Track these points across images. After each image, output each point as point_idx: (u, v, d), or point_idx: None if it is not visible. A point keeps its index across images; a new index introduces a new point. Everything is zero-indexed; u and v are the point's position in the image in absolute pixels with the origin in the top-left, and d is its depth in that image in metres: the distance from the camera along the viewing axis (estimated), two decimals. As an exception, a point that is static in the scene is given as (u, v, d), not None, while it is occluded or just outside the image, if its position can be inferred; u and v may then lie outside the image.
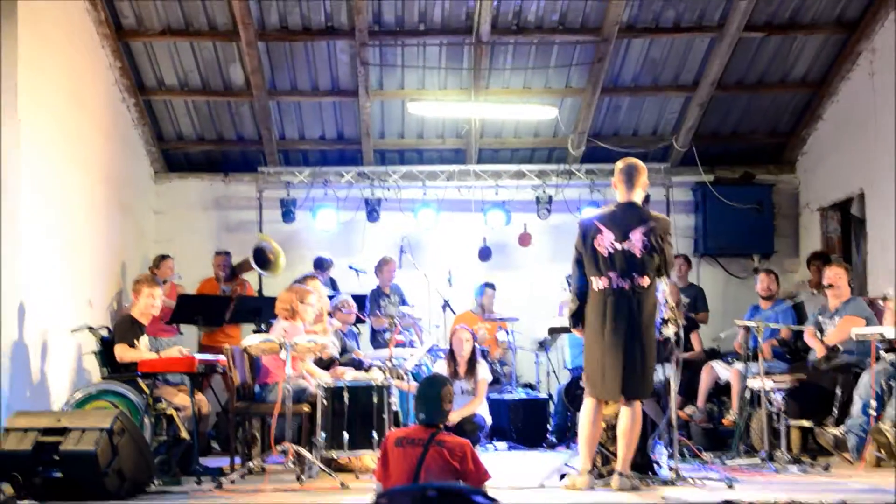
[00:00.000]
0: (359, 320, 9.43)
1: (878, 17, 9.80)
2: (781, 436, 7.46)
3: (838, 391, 7.73)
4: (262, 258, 10.16)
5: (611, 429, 6.31)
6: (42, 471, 5.84)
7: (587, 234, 6.14)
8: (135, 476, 6.07)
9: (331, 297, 9.09)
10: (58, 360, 8.38)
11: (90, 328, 7.82)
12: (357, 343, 9.45)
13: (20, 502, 5.39)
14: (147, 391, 7.02)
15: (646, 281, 6.01)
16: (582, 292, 6.19)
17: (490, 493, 5.09)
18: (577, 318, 6.23)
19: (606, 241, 6.05)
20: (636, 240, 6.03)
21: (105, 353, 7.56)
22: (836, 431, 7.43)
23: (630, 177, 6.23)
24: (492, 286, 10.43)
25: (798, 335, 8.74)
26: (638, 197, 6.25)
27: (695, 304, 10.21)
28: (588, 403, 6.11)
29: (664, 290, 6.71)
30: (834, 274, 8.28)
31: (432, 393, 5.21)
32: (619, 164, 6.33)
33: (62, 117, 8.79)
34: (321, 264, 10.45)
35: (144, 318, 7.69)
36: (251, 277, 10.68)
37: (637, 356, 5.97)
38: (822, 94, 10.95)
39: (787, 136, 11.68)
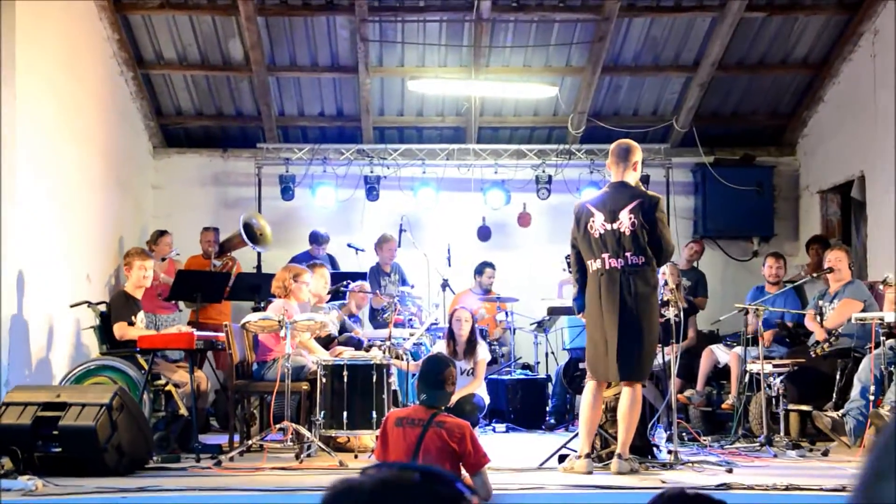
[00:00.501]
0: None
1: (881, -1, 9.76)
2: (780, 420, 7.47)
3: (837, 375, 7.73)
4: (251, 233, 10.11)
5: (611, 411, 6.31)
6: (41, 445, 5.83)
7: (580, 219, 6.16)
8: (133, 452, 6.05)
9: (345, 283, 9.04)
10: (56, 334, 8.38)
11: (89, 303, 7.79)
12: (360, 324, 9.43)
13: (20, 476, 5.37)
14: (146, 367, 7.01)
15: (640, 259, 5.98)
16: (581, 277, 6.20)
17: (489, 475, 5.13)
18: (580, 303, 6.23)
19: (598, 223, 6.05)
20: (624, 218, 6.01)
21: (104, 329, 7.54)
22: (834, 414, 7.43)
23: (622, 157, 6.19)
24: (492, 266, 10.41)
25: (798, 319, 8.73)
26: (631, 178, 6.19)
27: (695, 289, 10.17)
28: (588, 386, 6.12)
29: (664, 270, 6.70)
30: (835, 257, 8.27)
31: (435, 374, 5.18)
32: (613, 145, 6.30)
33: (59, 90, 8.73)
34: (317, 238, 10.40)
35: (138, 291, 7.65)
36: (242, 255, 10.60)
37: (633, 337, 5.94)
38: (824, 75, 10.90)
39: (788, 118, 11.65)
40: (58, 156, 8.66)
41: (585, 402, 6.11)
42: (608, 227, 6.02)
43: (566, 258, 8.53)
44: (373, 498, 1.43)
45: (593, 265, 6.06)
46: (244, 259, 10.67)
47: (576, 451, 6.19)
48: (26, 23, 7.91)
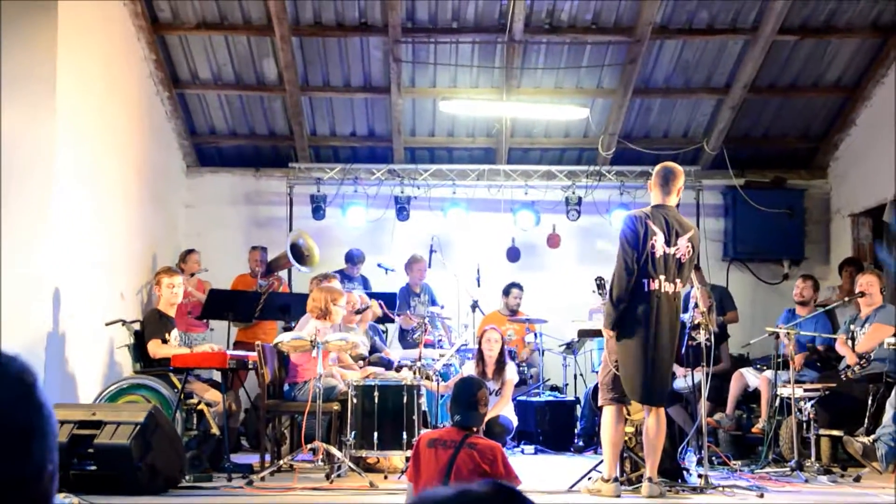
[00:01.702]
0: (387, 319, 9.41)
1: (916, 23, 9.73)
2: (811, 445, 7.42)
3: (869, 401, 7.68)
4: (297, 253, 10.21)
5: (640, 434, 6.29)
6: (77, 463, 5.90)
7: (646, 234, 5.98)
8: (167, 471, 6.11)
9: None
10: (90, 352, 8.46)
11: (123, 322, 7.88)
12: (384, 341, 9.46)
13: (56, 494, 5.43)
14: (179, 386, 7.07)
15: (682, 287, 6.07)
16: (628, 292, 5.98)
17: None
18: (620, 321, 6.05)
19: (659, 243, 6.00)
20: (682, 245, 6.03)
21: (138, 347, 7.62)
22: (866, 440, 7.38)
23: (667, 180, 6.17)
24: (519, 286, 10.41)
25: (830, 343, 8.68)
26: (673, 202, 6.20)
27: (721, 305, 10.08)
28: (610, 410, 6.06)
29: (695, 293, 6.68)
30: (867, 281, 8.22)
31: (469, 395, 5.20)
32: (657, 168, 6.28)
33: (98, 107, 8.86)
34: (352, 258, 10.47)
35: (171, 309, 7.73)
36: (284, 274, 10.72)
37: (669, 363, 6.01)
38: (856, 98, 10.87)
39: (820, 141, 11.60)
40: (95, 173, 8.78)
41: (608, 425, 6.06)
42: (668, 250, 6.00)
43: (596, 280, 8.56)
44: None
45: (649, 284, 5.96)
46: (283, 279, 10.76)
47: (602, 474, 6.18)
48: (67, 43, 8.05)
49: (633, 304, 6.00)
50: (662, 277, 5.97)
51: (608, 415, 6.08)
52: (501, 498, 1.49)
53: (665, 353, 5.96)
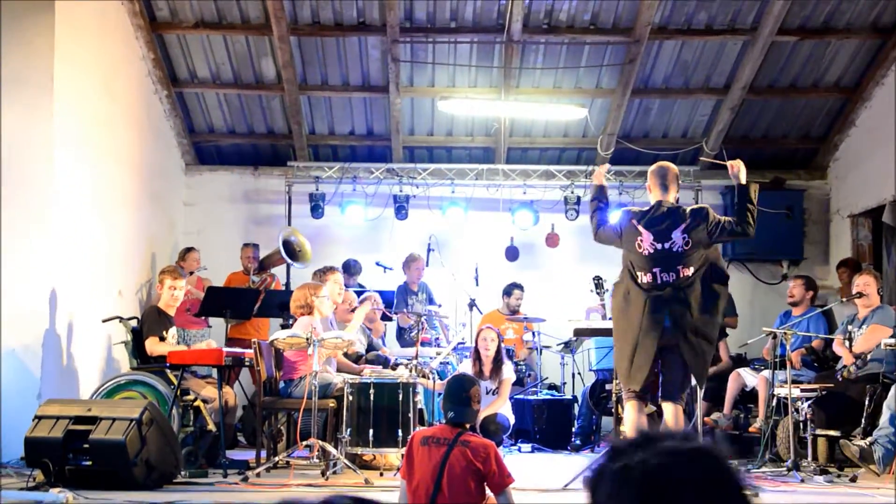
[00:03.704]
0: (385, 318, 9.41)
1: (915, 24, 9.72)
2: (808, 445, 7.41)
3: (866, 401, 7.67)
4: (290, 250, 10.22)
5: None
6: (72, 458, 5.91)
7: (631, 235, 6.12)
8: (162, 466, 6.13)
9: (359, 293, 9.10)
10: (88, 349, 8.47)
11: (120, 319, 7.89)
12: (383, 340, 9.45)
13: (51, 489, 5.45)
14: (175, 382, 7.08)
15: (689, 271, 6.03)
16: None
17: (514, 495, 5.13)
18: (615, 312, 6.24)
19: (647, 243, 6.05)
20: (677, 238, 6.05)
21: (135, 344, 7.63)
22: (863, 443, 7.36)
23: (664, 178, 6.25)
24: (520, 287, 10.41)
25: (827, 344, 8.68)
26: (672, 198, 6.26)
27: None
28: (629, 406, 6.09)
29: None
30: (863, 282, 8.21)
31: (461, 392, 5.19)
32: (652, 168, 6.34)
33: (96, 107, 8.87)
34: (349, 268, 10.44)
35: (170, 309, 7.74)
36: (279, 271, 10.72)
37: (682, 353, 5.96)
38: (856, 99, 10.87)
39: (819, 142, 11.60)
40: (93, 172, 8.79)
41: (629, 420, 6.09)
42: (658, 246, 6.04)
43: (594, 279, 8.58)
44: None
45: (643, 277, 6.04)
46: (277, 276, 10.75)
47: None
48: (64, 42, 8.06)
49: (630, 298, 6.09)
50: (658, 269, 6.02)
51: (629, 409, 6.12)
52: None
53: (671, 346, 5.96)
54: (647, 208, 6.28)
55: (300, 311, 7.54)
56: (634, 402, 6.08)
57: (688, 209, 6.25)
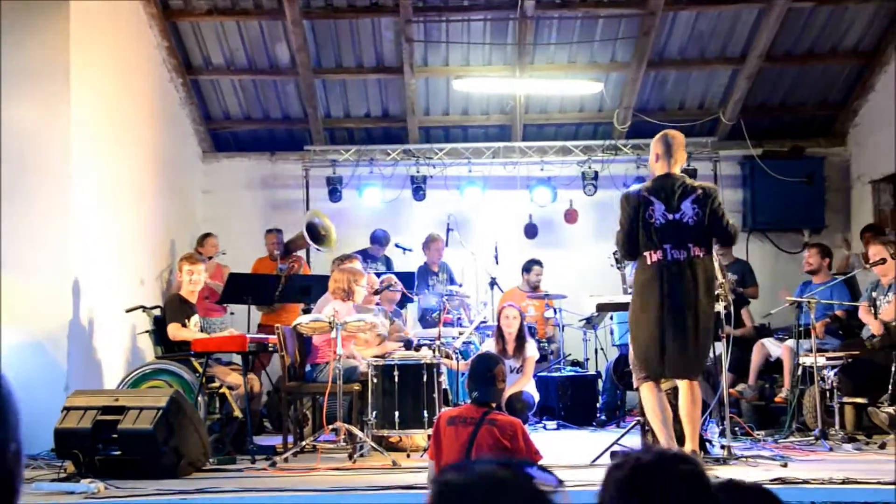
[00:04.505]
0: (407, 299, 9.41)
1: (933, -15, 9.60)
2: (835, 413, 7.38)
3: (893, 367, 7.61)
4: (314, 233, 10.23)
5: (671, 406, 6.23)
6: (101, 449, 5.95)
7: (638, 207, 5.95)
8: (190, 454, 6.15)
9: (378, 275, 9.11)
10: (112, 339, 8.52)
11: (143, 308, 7.93)
12: (403, 322, 9.46)
13: (82, 480, 5.50)
14: (200, 370, 7.11)
15: (701, 251, 5.90)
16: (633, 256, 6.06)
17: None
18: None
19: (658, 213, 5.94)
20: (687, 209, 5.93)
21: (158, 333, 7.67)
22: (891, 410, 7.32)
23: (668, 147, 6.09)
24: (539, 263, 10.39)
25: (851, 312, 8.62)
26: (678, 169, 6.13)
27: (743, 280, 10.05)
28: (646, 388, 5.97)
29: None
30: (875, 252, 8.14)
31: (485, 371, 5.21)
32: (655, 138, 6.21)
33: (111, 97, 8.88)
34: (378, 239, 10.50)
35: (191, 295, 7.77)
36: (303, 255, 10.75)
37: (692, 331, 5.86)
38: (874, 64, 10.76)
39: (838, 108, 11.50)
40: (111, 162, 8.81)
41: (650, 404, 5.95)
42: (670, 216, 5.90)
43: (613, 254, 8.53)
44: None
45: (651, 256, 5.90)
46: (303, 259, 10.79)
47: (627, 448, 6.16)
48: (79, 31, 8.07)
49: (639, 278, 5.99)
50: (668, 246, 5.87)
51: (645, 393, 5.98)
52: (520, 482, 1.53)
53: (682, 321, 5.84)
54: (654, 180, 6.11)
55: (339, 294, 7.53)
56: (649, 383, 5.97)
57: (696, 183, 6.16)
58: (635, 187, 6.28)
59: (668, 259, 5.88)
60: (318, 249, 10.45)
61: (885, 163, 10.74)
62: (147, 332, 7.89)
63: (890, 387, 7.56)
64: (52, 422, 6.10)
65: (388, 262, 10.52)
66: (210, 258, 9.82)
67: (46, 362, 7.60)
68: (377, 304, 8.47)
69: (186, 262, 7.83)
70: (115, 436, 5.94)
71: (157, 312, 7.81)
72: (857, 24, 10.41)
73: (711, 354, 6.73)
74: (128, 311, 8.13)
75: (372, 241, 10.56)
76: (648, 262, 5.93)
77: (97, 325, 8.27)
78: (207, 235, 10.15)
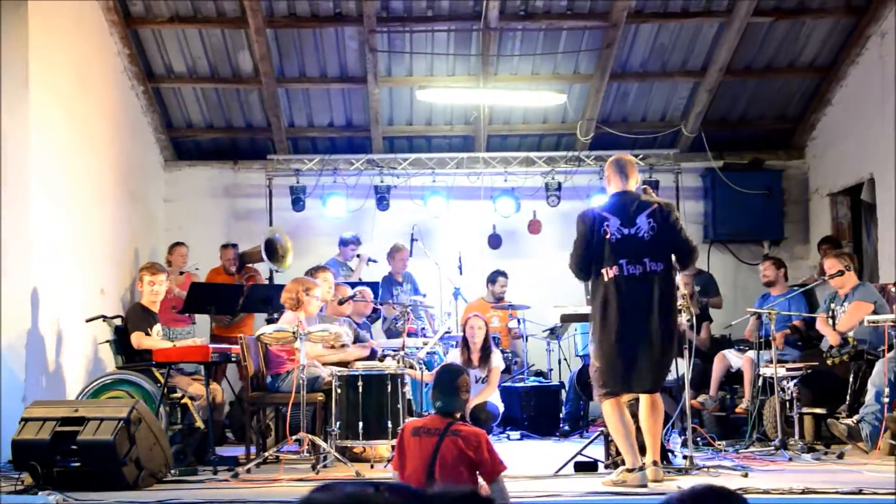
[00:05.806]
0: (374, 310, 9.37)
1: (888, 1, 9.76)
2: (795, 423, 7.46)
3: (851, 378, 7.72)
4: (272, 249, 10.15)
5: (632, 417, 6.26)
6: (60, 460, 5.86)
7: (594, 224, 5.97)
8: (151, 465, 6.09)
9: (353, 286, 9.08)
10: (72, 349, 8.42)
11: (104, 318, 7.84)
12: (370, 334, 9.43)
13: (40, 492, 5.42)
14: (162, 380, 7.04)
15: (658, 265, 5.91)
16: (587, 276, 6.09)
17: (506, 483, 5.14)
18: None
19: (613, 228, 5.95)
20: (642, 223, 5.97)
21: (120, 343, 7.58)
22: (850, 421, 7.42)
23: (622, 168, 6.14)
24: (504, 274, 10.42)
25: (809, 323, 8.74)
26: (633, 186, 6.18)
27: (706, 291, 10.15)
28: (607, 405, 5.96)
29: (678, 279, 6.66)
30: (830, 265, 8.26)
31: (450, 382, 5.19)
32: (609, 161, 6.26)
33: (71, 105, 8.79)
34: (349, 243, 10.46)
35: (153, 305, 7.69)
36: (259, 268, 10.66)
37: (653, 346, 5.87)
38: (831, 78, 10.92)
39: (796, 122, 11.66)
40: (70, 170, 8.71)
41: (610, 420, 5.95)
42: (625, 231, 5.93)
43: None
44: None
45: (608, 272, 5.91)
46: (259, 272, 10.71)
47: (593, 459, 6.20)
48: (38, 38, 7.98)
49: (594, 296, 6.00)
50: (624, 261, 5.87)
51: (608, 409, 5.98)
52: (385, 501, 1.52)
53: (640, 337, 5.85)
54: (610, 197, 6.16)
55: (289, 304, 7.51)
56: (611, 399, 5.97)
57: (653, 198, 6.18)
58: (591, 206, 6.35)
59: (624, 274, 5.89)
60: (270, 266, 10.34)
61: (843, 176, 10.91)
62: (108, 342, 7.79)
63: (848, 398, 7.68)
64: (10, 433, 6.01)
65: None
66: (182, 272, 9.74)
67: (4, 372, 7.49)
68: (347, 315, 8.45)
69: (147, 273, 7.74)
70: (74, 447, 5.86)
71: (118, 322, 7.72)
72: (814, 39, 10.57)
73: (673, 368, 6.78)
74: (88, 320, 8.03)
75: (341, 245, 10.51)
76: (605, 279, 5.93)
77: (57, 334, 8.16)
78: (177, 245, 10.05)
